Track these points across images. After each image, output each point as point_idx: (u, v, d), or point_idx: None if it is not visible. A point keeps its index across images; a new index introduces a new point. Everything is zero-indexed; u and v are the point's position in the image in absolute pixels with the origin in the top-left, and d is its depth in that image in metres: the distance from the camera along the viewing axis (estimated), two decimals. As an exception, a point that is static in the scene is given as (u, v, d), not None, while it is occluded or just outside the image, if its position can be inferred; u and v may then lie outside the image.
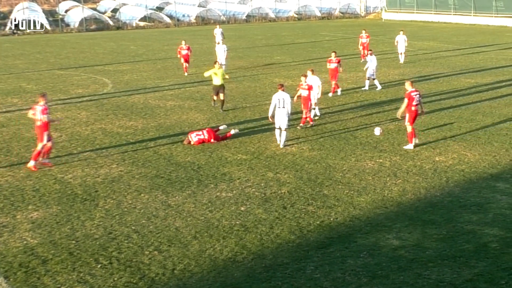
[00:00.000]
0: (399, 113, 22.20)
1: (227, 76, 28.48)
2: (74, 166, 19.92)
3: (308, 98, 23.79)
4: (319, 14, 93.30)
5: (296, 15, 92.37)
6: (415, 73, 38.00)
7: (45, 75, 39.65)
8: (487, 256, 13.03)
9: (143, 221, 15.19)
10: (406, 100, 21.42)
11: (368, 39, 43.29)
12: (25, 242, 14.06)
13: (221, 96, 27.43)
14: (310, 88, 23.75)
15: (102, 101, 30.73)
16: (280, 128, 21.82)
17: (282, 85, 22.09)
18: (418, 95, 21.48)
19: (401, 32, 42.22)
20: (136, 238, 14.19)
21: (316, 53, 48.93)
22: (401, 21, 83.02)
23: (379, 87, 32.72)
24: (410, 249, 13.40)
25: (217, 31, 48.04)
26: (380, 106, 28.38)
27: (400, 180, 18.05)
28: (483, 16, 77.02)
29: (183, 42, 39.03)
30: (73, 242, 14.03)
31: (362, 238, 14.04)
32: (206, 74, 28.36)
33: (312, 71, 25.51)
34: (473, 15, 78.46)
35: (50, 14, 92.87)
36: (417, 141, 21.77)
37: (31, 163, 19.63)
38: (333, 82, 30.67)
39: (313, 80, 24.94)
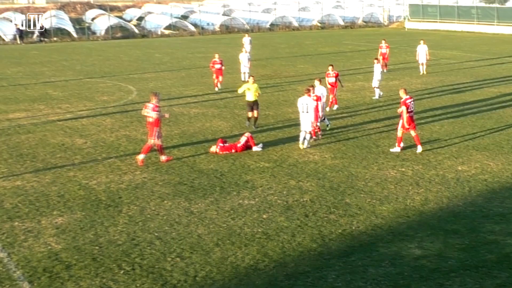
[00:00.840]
0: (403, 124, 22.12)
1: (259, 92, 26.39)
2: (98, 172, 20.14)
3: (316, 109, 23.28)
4: (342, 23, 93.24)
5: (319, 24, 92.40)
6: (437, 82, 37.87)
7: (71, 82, 40.12)
8: (510, 266, 12.95)
9: (166, 228, 15.32)
10: (404, 108, 21.79)
11: (388, 49, 42.70)
12: (49, 247, 14.25)
13: (255, 113, 25.94)
14: (318, 99, 23.56)
15: (127, 108, 31.02)
16: (305, 131, 22.52)
17: (309, 90, 22.90)
18: (412, 102, 22.12)
19: (422, 42, 41.67)
20: (158, 245, 14.32)
21: (339, 62, 48.90)
22: (424, 30, 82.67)
23: (376, 96, 32.65)
24: (432, 258, 13.37)
25: (246, 39, 48.15)
26: (403, 115, 28.29)
27: (422, 189, 18.02)
28: (507, 26, 76.43)
29: (217, 56, 36.62)
30: (97, 248, 14.20)
31: (384, 247, 14.04)
32: (240, 90, 26.65)
33: (320, 80, 25.43)
34: (497, 24, 77.91)
35: (77, 22, 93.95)
36: (398, 149, 22.17)
37: (141, 156, 21.04)
38: (331, 96, 29.54)
39: (321, 90, 24.77)
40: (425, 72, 41.34)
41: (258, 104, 26.21)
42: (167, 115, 22.81)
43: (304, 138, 22.72)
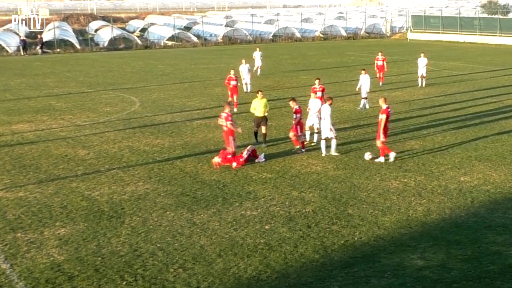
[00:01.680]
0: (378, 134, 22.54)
1: (268, 108, 25.17)
2: (101, 183, 20.18)
3: (297, 123, 23.61)
4: (344, 34, 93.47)
5: (322, 35, 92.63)
6: (440, 93, 37.91)
7: (74, 94, 40.24)
8: (512, 277, 12.96)
9: (168, 239, 15.33)
10: (385, 116, 22.01)
11: (384, 62, 41.69)
12: (52, 258, 14.27)
13: (263, 129, 24.77)
14: (297, 111, 23.62)
15: (130, 119, 31.09)
16: (326, 139, 22.97)
17: (331, 98, 23.61)
18: (390, 111, 22.61)
19: (422, 55, 41.03)
20: (161, 256, 14.33)
21: (342, 73, 49.07)
22: (426, 41, 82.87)
23: (361, 106, 32.76)
24: (434, 269, 13.36)
25: (257, 54, 47.76)
26: (404, 124, 28.32)
27: (425, 200, 18.02)
28: (509, 37, 76.55)
29: (232, 72, 34.06)
30: (99, 259, 14.21)
31: (387, 258, 14.03)
32: (251, 109, 25.07)
33: (316, 93, 25.42)
34: (499, 35, 78.02)
35: (80, 34, 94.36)
36: (370, 157, 22.44)
37: (216, 159, 21.91)
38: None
39: (316, 103, 24.76)
40: (423, 85, 40.71)
41: (267, 119, 25.16)
42: (240, 130, 23.26)
43: (327, 146, 23.13)
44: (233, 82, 33.57)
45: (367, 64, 54.43)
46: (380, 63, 41.63)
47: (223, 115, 22.28)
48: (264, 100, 24.96)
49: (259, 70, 48.21)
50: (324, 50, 72.85)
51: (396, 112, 31.81)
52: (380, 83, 40.61)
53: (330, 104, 23.11)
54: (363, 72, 33.13)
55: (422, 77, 40.96)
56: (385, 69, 41.84)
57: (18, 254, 14.51)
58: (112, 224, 16.40)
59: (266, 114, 24.84)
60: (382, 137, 22.07)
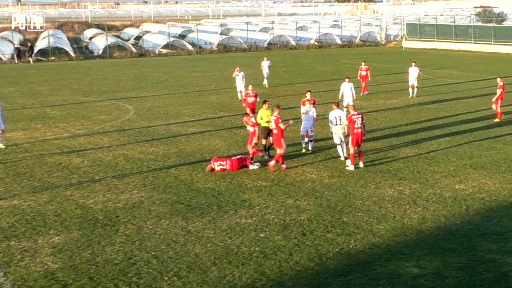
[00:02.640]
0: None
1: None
2: (95, 191, 20.13)
3: (253, 134, 23.37)
4: (339, 42, 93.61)
5: (317, 43, 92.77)
6: (434, 101, 37.97)
7: (68, 101, 40.19)
8: (507, 285, 12.94)
9: (163, 247, 15.29)
10: (346, 122, 22.52)
11: (367, 71, 40.35)
12: (46, 266, 14.21)
13: (270, 139, 23.74)
14: (254, 125, 23.45)
15: (124, 127, 31.06)
16: (341, 143, 23.51)
17: (338, 104, 23.97)
18: (360, 118, 22.32)
19: (413, 64, 39.27)
20: (155, 264, 14.28)
21: (337, 81, 48.97)
22: (421, 49, 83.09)
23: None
24: (429, 277, 13.35)
25: (265, 63, 45.94)
26: (399, 132, 28.35)
27: (419, 208, 18.01)
28: (504, 45, 76.81)
29: (250, 88, 31.38)
30: (93, 267, 14.16)
31: (382, 266, 14.02)
32: (258, 119, 23.94)
33: (309, 101, 25.43)
34: (494, 44, 78.29)
35: (75, 41, 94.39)
36: (361, 165, 22.60)
37: (272, 162, 22.43)
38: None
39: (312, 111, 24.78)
40: (414, 96, 39.10)
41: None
42: (291, 122, 23.45)
43: (343, 150, 23.66)
44: (250, 99, 30.53)
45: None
46: (363, 72, 40.51)
47: (273, 118, 22.48)
48: (270, 110, 23.98)
49: (266, 81, 45.69)
50: (319, 58, 72.97)
51: (391, 120, 31.88)
52: (361, 93, 39.54)
53: (338, 108, 23.86)
54: (346, 80, 33.18)
55: (413, 87, 39.31)
56: (369, 79, 40.74)
57: (12, 262, 14.44)
58: (107, 232, 16.35)
59: None
60: (350, 145, 22.45)
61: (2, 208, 18.45)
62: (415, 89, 39.51)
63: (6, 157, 24.92)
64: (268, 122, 23.37)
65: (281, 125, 22.16)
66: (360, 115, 22.39)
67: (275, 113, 22.47)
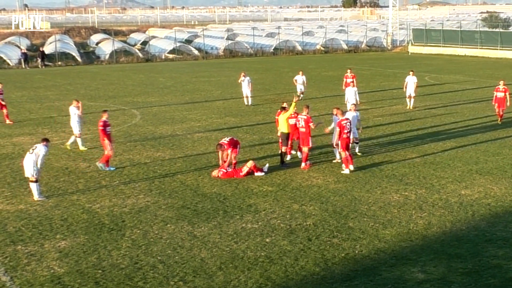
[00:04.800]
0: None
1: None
2: (102, 196, 20.18)
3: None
4: (345, 47, 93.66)
5: (323, 48, 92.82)
6: (440, 106, 37.94)
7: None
8: (513, 291, 12.93)
9: (169, 252, 15.32)
10: (337, 129, 22.47)
11: (354, 79, 38.33)
12: (52, 271, 14.26)
13: (288, 143, 23.93)
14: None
15: (131, 132, 31.13)
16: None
17: (354, 105, 25.05)
18: (348, 123, 22.57)
19: (411, 73, 37.27)
20: (161, 269, 14.31)
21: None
22: (427, 55, 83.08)
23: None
24: (435, 283, 13.34)
25: (299, 78, 40.80)
26: (405, 137, 28.34)
27: (425, 213, 18.00)
28: (510, 50, 76.71)
29: (286, 105, 25.64)
30: (100, 271, 14.20)
31: (387, 271, 14.01)
32: (279, 126, 24.05)
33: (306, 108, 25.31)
34: (500, 49, 78.19)
35: (82, 47, 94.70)
36: (351, 168, 22.73)
37: (303, 165, 23.21)
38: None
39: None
40: (411, 107, 36.95)
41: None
42: (322, 121, 24.08)
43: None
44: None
45: (367, 77, 54.64)
46: (349, 80, 38.51)
47: (303, 117, 23.09)
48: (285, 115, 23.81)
49: (301, 96, 39.88)
50: (325, 63, 72.99)
51: (396, 125, 31.87)
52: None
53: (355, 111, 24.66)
54: (351, 84, 33.26)
55: (410, 97, 37.03)
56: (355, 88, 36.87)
57: (19, 267, 14.50)
58: (113, 237, 16.39)
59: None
60: (340, 149, 22.70)
61: (9, 213, 18.53)
62: (412, 99, 37.24)
63: (13, 161, 25.01)
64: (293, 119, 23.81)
65: (312, 125, 23.02)
66: (348, 120, 22.80)
67: (304, 113, 23.24)
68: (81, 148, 27.12)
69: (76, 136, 27.24)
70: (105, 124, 23.40)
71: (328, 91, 46.00)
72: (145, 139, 29.28)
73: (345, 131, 22.29)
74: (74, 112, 27.34)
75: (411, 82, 37.02)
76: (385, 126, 31.70)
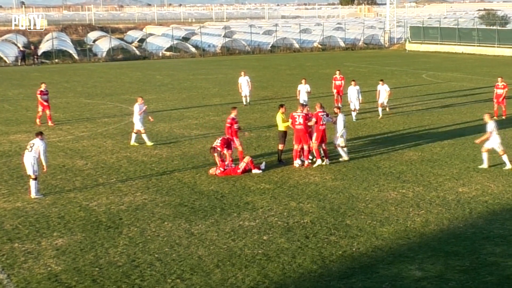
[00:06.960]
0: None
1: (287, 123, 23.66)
2: (99, 193, 20.16)
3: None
4: (343, 45, 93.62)
5: (320, 46, 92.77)
6: (438, 104, 37.96)
7: (72, 104, 40.25)
8: (510, 288, 12.94)
9: (166, 249, 15.31)
10: (314, 119, 22.97)
11: (342, 81, 36.55)
12: (49, 268, 14.24)
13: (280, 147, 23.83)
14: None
15: (128, 129, 31.07)
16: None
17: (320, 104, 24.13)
18: (325, 115, 23.23)
19: (381, 83, 34.01)
20: (159, 266, 14.30)
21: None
22: (424, 52, 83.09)
23: (354, 119, 32.80)
24: (432, 280, 13.35)
25: (302, 88, 35.35)
26: (402, 135, 28.36)
27: (423, 211, 18.01)
28: (508, 48, 76.73)
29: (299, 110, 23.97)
30: (97, 269, 14.18)
31: (385, 268, 14.01)
32: (283, 124, 23.72)
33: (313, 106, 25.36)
34: (497, 46, 78.21)
35: (79, 44, 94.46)
36: (326, 162, 23.31)
37: (319, 161, 23.23)
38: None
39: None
40: (382, 115, 33.56)
41: (286, 134, 23.99)
42: (333, 120, 23.88)
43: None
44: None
45: (364, 74, 54.64)
46: (338, 82, 36.74)
47: (299, 114, 23.06)
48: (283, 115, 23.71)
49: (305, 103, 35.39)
50: (323, 61, 72.96)
51: (394, 122, 31.87)
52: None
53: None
54: (352, 83, 33.08)
55: (383, 105, 34.07)
56: (342, 89, 36.81)
57: (15, 265, 14.47)
58: (110, 235, 16.37)
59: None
60: (314, 141, 23.08)
61: (6, 210, 18.49)
62: (387, 108, 34.61)
63: (10, 159, 24.97)
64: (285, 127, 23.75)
65: (326, 120, 23.26)
66: (325, 113, 23.37)
67: (318, 109, 23.37)
68: (148, 143, 27.15)
69: (140, 133, 27.07)
70: (233, 122, 23.28)
71: (326, 88, 45.93)
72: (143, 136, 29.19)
73: (321, 122, 22.98)
74: (139, 108, 26.99)
75: (383, 91, 33.93)
76: (383, 124, 31.69)
